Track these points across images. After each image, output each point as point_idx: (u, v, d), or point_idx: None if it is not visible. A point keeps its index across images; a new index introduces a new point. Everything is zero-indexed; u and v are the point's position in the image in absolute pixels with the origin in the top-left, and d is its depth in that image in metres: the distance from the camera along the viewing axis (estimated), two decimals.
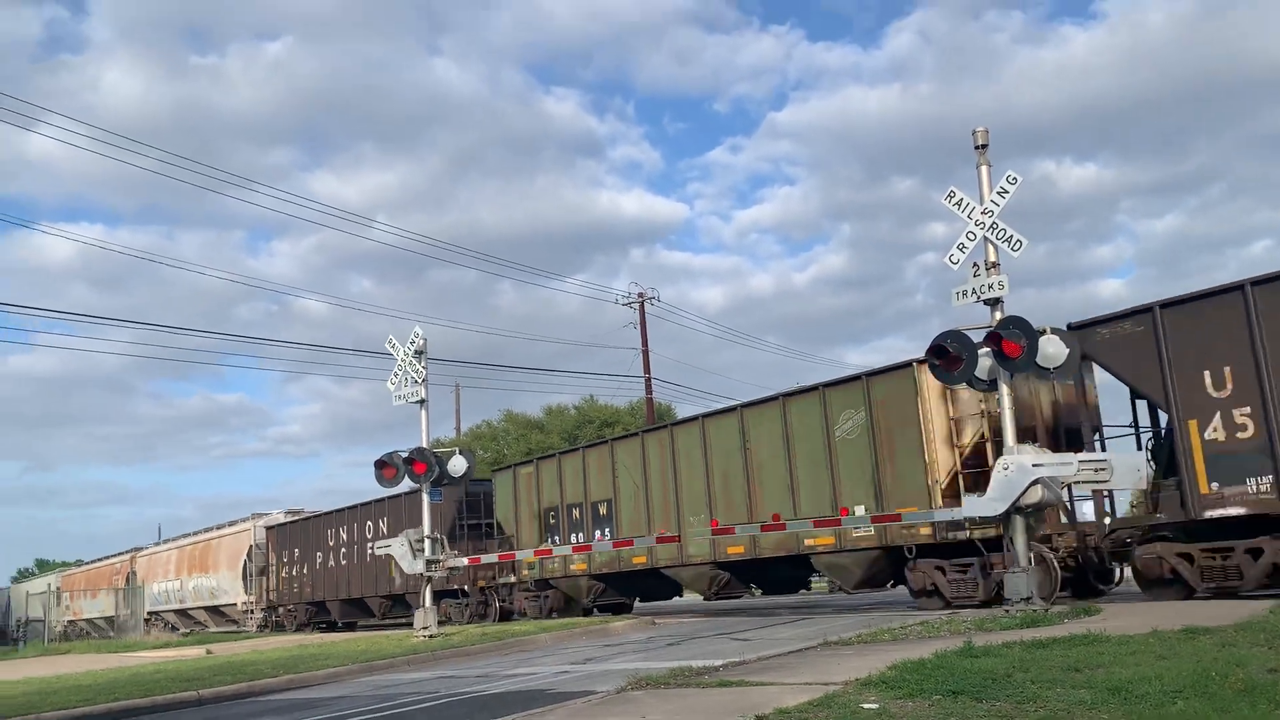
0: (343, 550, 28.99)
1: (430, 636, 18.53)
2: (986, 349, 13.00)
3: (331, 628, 30.00)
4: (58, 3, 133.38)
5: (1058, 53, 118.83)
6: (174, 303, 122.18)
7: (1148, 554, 13.24)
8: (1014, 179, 13.36)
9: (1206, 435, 12.83)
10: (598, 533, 21.63)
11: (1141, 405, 14.44)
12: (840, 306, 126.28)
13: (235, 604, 33.17)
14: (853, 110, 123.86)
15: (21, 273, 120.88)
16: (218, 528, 37.07)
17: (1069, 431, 15.66)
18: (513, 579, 24.02)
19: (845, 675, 7.71)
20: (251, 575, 31.74)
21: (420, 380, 20.19)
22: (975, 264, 13.43)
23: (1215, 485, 12.66)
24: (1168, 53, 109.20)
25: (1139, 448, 14.28)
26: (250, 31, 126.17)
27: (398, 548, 19.83)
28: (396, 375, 20.50)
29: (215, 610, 34.52)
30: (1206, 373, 12.93)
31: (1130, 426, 14.61)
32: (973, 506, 13.03)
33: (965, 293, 13.55)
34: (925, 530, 15.73)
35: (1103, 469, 12.48)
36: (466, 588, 24.93)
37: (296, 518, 32.81)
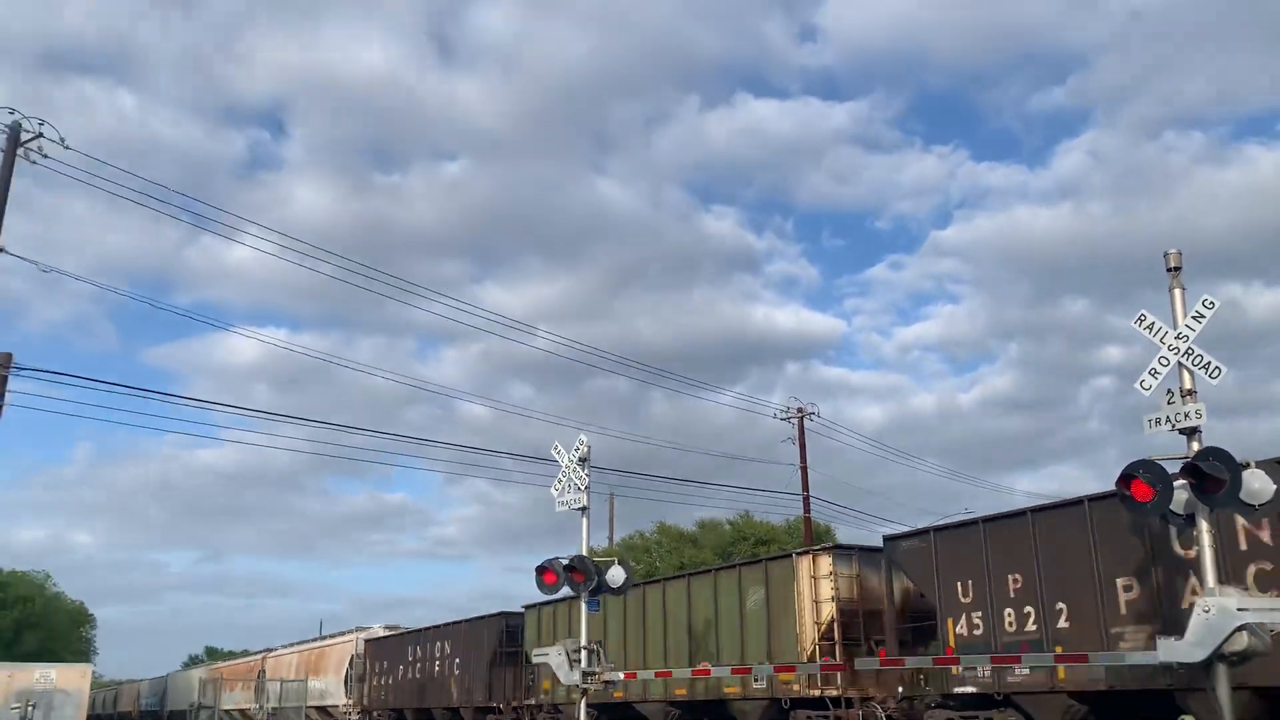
0: (418, 665, 33.31)
1: None
2: (1183, 481, 12.23)
3: None
4: (260, 126, 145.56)
5: (1242, 173, 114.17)
6: (346, 404, 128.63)
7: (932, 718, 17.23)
8: (1210, 303, 12.74)
9: (958, 630, 17.23)
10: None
11: None
12: (1008, 430, 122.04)
13: (338, 705, 37.49)
14: (1020, 229, 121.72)
15: (214, 372, 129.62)
16: (330, 637, 42.83)
17: (914, 614, 19.28)
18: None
19: None
20: (352, 681, 36.40)
21: (583, 487, 20.40)
22: (1170, 391, 12.76)
23: (961, 669, 16.63)
24: None
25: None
26: (430, 152, 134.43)
27: (555, 656, 19.76)
28: (560, 481, 20.79)
29: (323, 710, 38.88)
30: (958, 583, 17.34)
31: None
32: (1170, 651, 12.08)
33: (1158, 420, 12.86)
34: (797, 686, 19.63)
35: None
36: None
37: (390, 634, 37.21)
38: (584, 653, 19.66)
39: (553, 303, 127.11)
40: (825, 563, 20.37)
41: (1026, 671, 15.72)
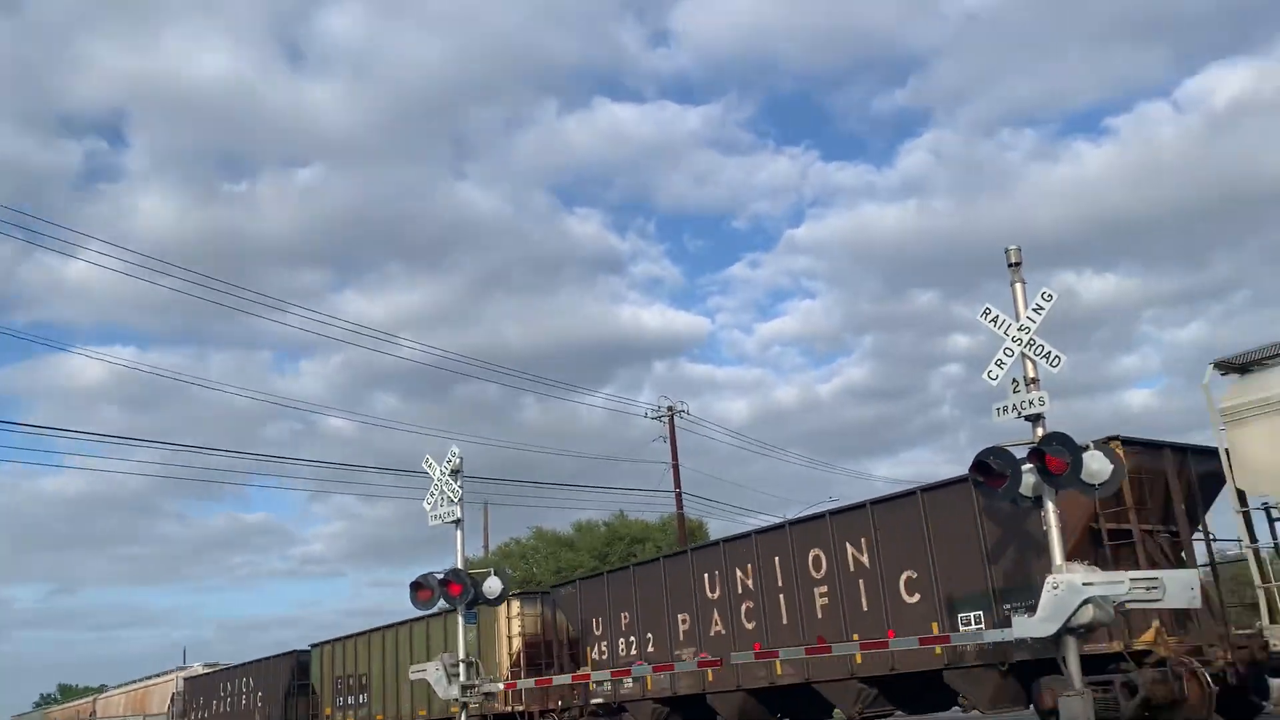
0: (228, 699, 37.39)
1: None
2: (1030, 465, 12.90)
3: None
4: (98, 135, 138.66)
5: (1071, 169, 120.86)
6: (202, 423, 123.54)
7: None
8: (1049, 295, 13.46)
9: (593, 655, 22.75)
10: None
11: None
12: (865, 418, 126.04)
13: None
14: (869, 226, 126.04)
15: (56, 395, 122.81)
16: (154, 677, 46.22)
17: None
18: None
19: None
20: (175, 717, 39.60)
21: (456, 500, 20.15)
22: (1015, 380, 13.43)
23: (593, 685, 21.59)
24: (1181, 167, 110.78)
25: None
26: (281, 159, 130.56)
27: (433, 672, 19.49)
28: (432, 495, 20.49)
29: None
30: (594, 619, 22.87)
31: None
32: (1024, 627, 12.74)
33: (1006, 409, 13.52)
34: (498, 705, 23.55)
35: (1155, 587, 12.21)
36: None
37: (207, 671, 41.17)
38: (463, 666, 19.47)
39: (417, 310, 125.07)
40: (516, 605, 25.05)
41: (631, 684, 20.24)
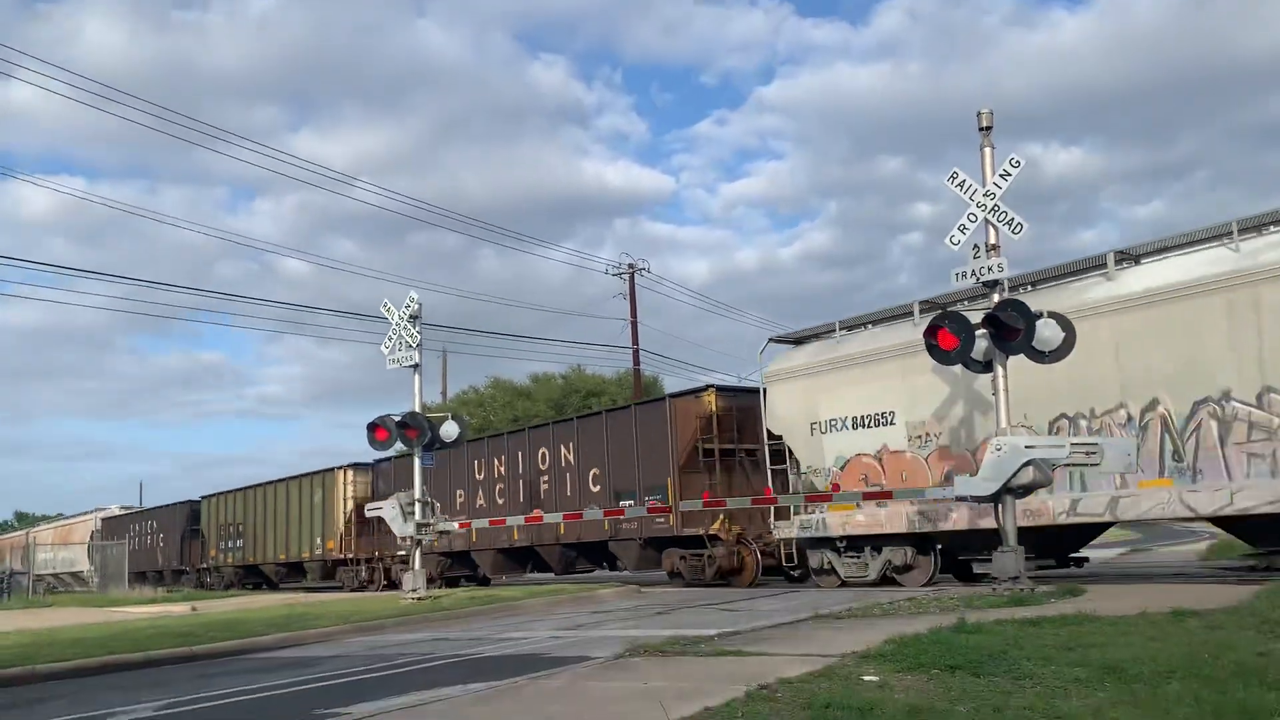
0: (137, 539, 43.34)
1: (419, 599, 18.67)
2: (984, 331, 13.11)
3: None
4: None
5: (1047, 36, 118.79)
6: (154, 259, 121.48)
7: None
8: (1017, 162, 13.43)
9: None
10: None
11: None
12: (825, 284, 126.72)
13: (83, 571, 45.14)
14: (841, 87, 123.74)
15: (3, 224, 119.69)
16: (77, 515, 52.81)
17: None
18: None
19: (842, 648, 7.85)
20: (94, 551, 43.78)
21: (414, 345, 20.21)
22: (976, 245, 13.52)
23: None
24: (1156, 41, 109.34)
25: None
26: None
27: (389, 510, 19.93)
28: (390, 339, 20.50)
29: (75, 575, 45.96)
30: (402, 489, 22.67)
31: None
32: (966, 486, 13.18)
33: (965, 274, 13.65)
34: (336, 553, 30.93)
35: (1094, 452, 12.65)
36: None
37: (122, 513, 48.39)
38: (418, 505, 19.88)
39: (374, 154, 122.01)
40: (350, 474, 30.97)
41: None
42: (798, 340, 19.04)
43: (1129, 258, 14.49)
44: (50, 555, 46.12)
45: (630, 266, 40.57)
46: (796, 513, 17.58)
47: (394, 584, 25.93)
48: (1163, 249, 14.24)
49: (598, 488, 21.93)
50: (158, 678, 10.68)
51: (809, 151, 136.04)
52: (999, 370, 13.25)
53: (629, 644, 9.19)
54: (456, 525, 21.01)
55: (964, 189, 13.68)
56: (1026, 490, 13.00)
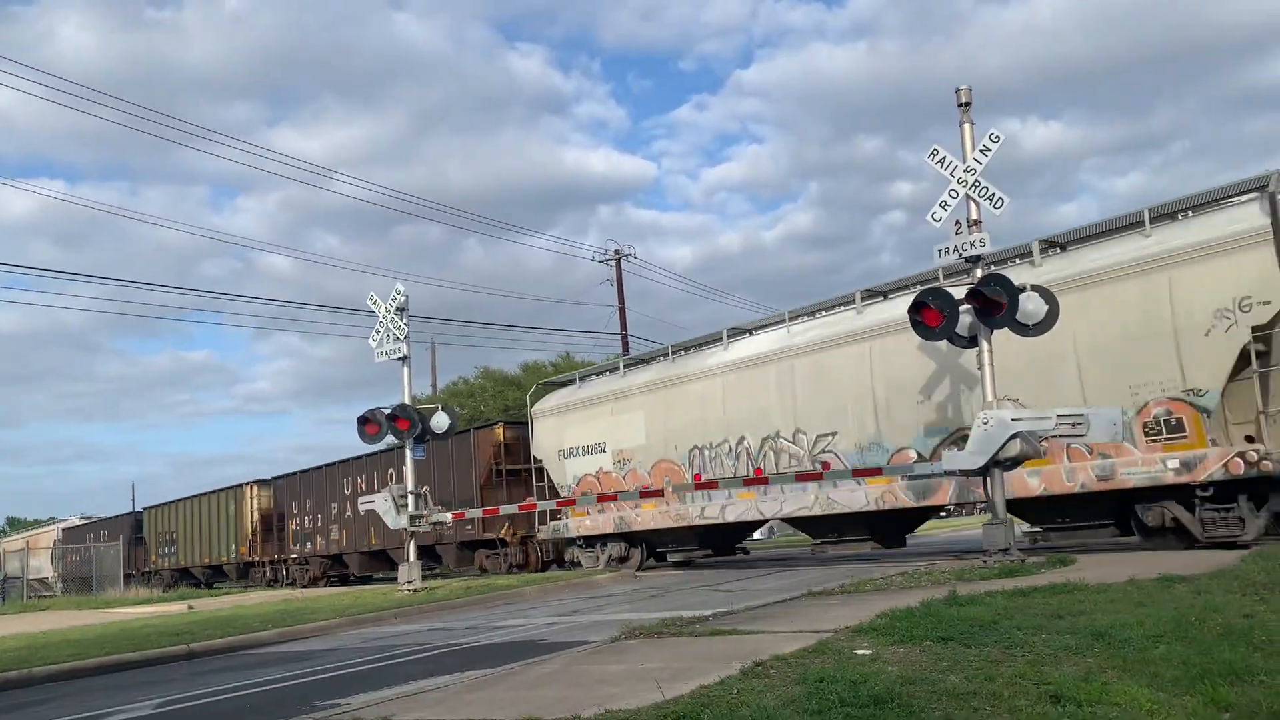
0: (94, 548, 44.78)
1: (414, 590, 18.70)
2: (968, 306, 13.17)
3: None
4: None
5: (1023, 12, 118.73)
6: (137, 260, 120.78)
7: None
8: (996, 137, 13.47)
9: (293, 527, 33.07)
10: None
11: None
12: (808, 264, 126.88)
13: (48, 578, 49.05)
14: (819, 69, 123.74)
15: None
16: (40, 525, 59.15)
17: None
18: None
19: (835, 624, 7.93)
20: (59, 559, 47.93)
21: (402, 337, 20.19)
22: (958, 221, 13.56)
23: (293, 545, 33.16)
24: (1133, 13, 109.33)
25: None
26: None
27: (381, 503, 19.94)
28: (378, 332, 20.47)
29: (41, 581, 49.20)
30: (292, 504, 33.27)
31: None
32: (954, 460, 13.26)
33: (948, 250, 13.70)
34: (246, 556, 36.04)
35: (1080, 423, 12.72)
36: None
37: (82, 523, 52.16)
38: (411, 497, 19.89)
39: (355, 147, 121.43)
40: (256, 489, 35.28)
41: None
42: (562, 384, 24.16)
43: (741, 332, 19.70)
44: (19, 564, 49.44)
45: (617, 253, 40.57)
46: (553, 518, 22.07)
47: (293, 582, 32.25)
48: (762, 326, 19.50)
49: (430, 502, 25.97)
50: (155, 676, 10.70)
51: (789, 134, 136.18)
52: (984, 345, 13.32)
53: (625, 627, 9.25)
54: (450, 517, 21.05)
55: (945, 166, 13.72)
56: (1015, 462, 13.09)
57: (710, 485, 18.17)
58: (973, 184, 13.47)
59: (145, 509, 44.08)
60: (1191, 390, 12.88)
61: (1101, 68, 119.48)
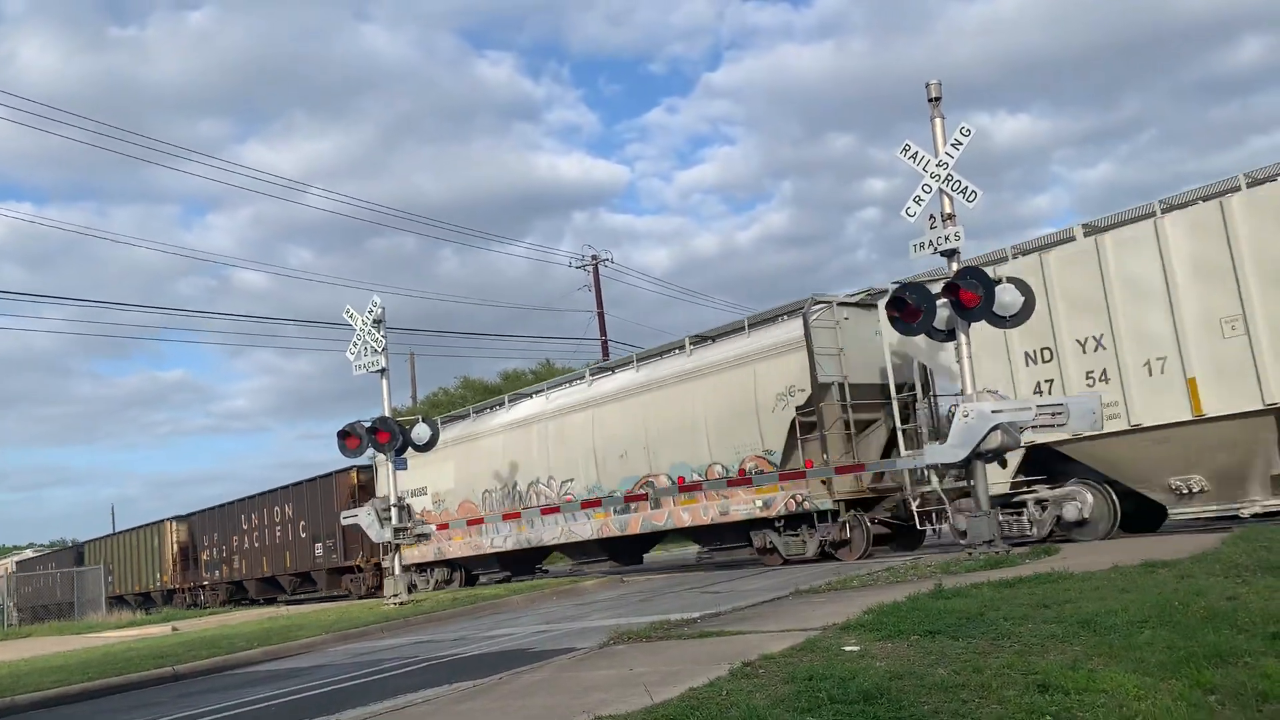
0: (44, 577, 49.82)
1: (401, 604, 18.61)
2: (944, 300, 13.21)
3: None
4: None
5: (987, 7, 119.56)
6: (108, 280, 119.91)
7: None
8: (967, 130, 13.53)
9: (205, 557, 37.24)
10: None
11: None
12: (784, 264, 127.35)
13: (7, 606, 52.16)
14: (787, 68, 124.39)
15: None
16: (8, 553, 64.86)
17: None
18: None
19: (823, 621, 7.93)
20: (10, 592, 50.11)
21: (380, 349, 20.09)
22: (932, 216, 13.61)
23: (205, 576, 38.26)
24: (1094, 4, 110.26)
25: None
26: (170, 1, 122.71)
27: (364, 517, 19.82)
28: (356, 345, 20.36)
29: None
30: (214, 533, 36.83)
31: None
32: (935, 454, 13.31)
33: (922, 245, 13.74)
34: (169, 585, 39.51)
35: (1060, 413, 12.80)
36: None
37: (34, 555, 57.26)
38: (394, 510, 19.79)
39: (325, 160, 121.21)
40: (175, 524, 38.78)
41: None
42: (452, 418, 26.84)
43: (521, 396, 24.34)
44: None
45: (594, 258, 40.58)
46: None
47: (205, 605, 36.26)
48: (536, 391, 24.06)
49: (305, 534, 31.12)
50: (141, 700, 10.59)
51: (760, 134, 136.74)
52: (962, 338, 13.37)
53: (613, 633, 9.22)
54: (434, 528, 20.94)
55: (917, 161, 13.76)
56: (996, 454, 13.13)
57: (478, 521, 23.16)
58: (945, 178, 13.51)
59: (85, 542, 49.25)
60: (768, 450, 17.78)
61: (1066, 59, 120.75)
